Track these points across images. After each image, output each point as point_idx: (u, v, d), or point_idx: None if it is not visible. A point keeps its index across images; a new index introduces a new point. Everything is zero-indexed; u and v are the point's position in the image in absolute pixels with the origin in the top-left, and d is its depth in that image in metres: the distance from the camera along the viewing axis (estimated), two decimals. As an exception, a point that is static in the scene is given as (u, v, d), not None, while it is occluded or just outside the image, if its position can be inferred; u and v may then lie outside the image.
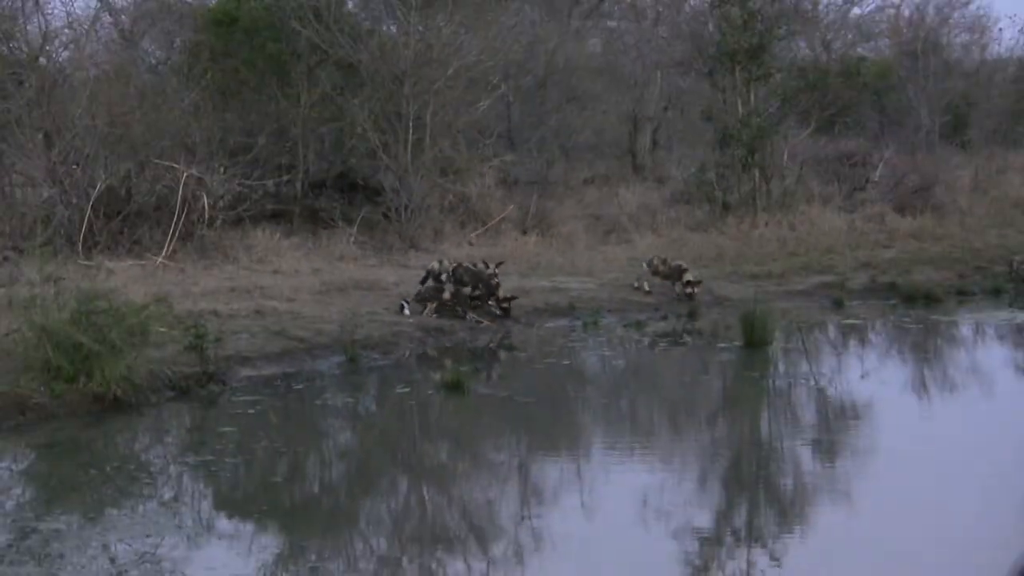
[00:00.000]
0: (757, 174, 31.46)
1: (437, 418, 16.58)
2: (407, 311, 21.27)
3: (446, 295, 21.54)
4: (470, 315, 21.63)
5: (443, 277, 21.71)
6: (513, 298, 21.89)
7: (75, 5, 47.47)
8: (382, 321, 20.70)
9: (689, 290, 23.56)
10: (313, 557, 11.21)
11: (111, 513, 12.05)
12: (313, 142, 29.79)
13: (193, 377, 16.87)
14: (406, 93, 28.36)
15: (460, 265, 22.00)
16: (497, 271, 21.99)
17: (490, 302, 21.78)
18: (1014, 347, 21.45)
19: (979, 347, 21.27)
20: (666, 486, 13.13)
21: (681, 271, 23.83)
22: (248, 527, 11.81)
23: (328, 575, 10.87)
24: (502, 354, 20.52)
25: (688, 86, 39.83)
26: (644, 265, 24.24)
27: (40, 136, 26.00)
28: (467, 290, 21.69)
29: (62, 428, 15.03)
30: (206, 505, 12.67)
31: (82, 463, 13.90)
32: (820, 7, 51.52)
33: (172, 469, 13.97)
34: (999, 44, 53.73)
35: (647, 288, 24.05)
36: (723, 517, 12.17)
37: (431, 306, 21.45)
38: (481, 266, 22.04)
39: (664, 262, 24.15)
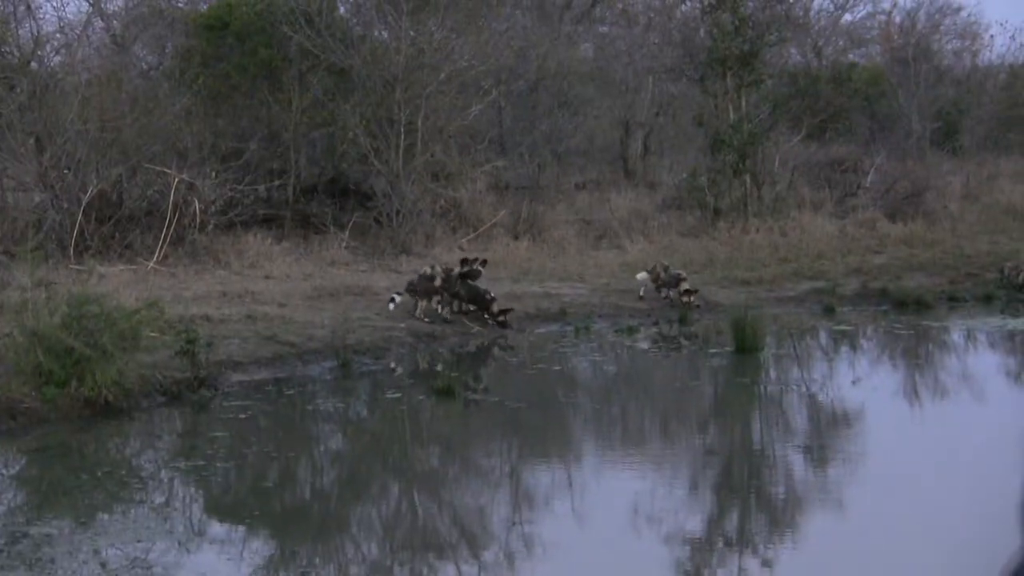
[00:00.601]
0: (748, 180, 31.50)
1: (428, 423, 16.60)
2: (396, 301, 21.31)
3: (437, 282, 21.56)
4: (461, 312, 21.78)
5: (437, 282, 21.69)
6: (509, 310, 21.91)
7: (67, 10, 47.35)
8: (374, 326, 20.70)
9: (687, 299, 23.61)
10: (304, 562, 11.23)
11: (102, 518, 12.05)
12: (305, 147, 29.78)
13: (184, 382, 16.86)
14: (397, 98, 28.36)
15: (450, 275, 21.89)
16: (482, 268, 21.99)
17: (485, 316, 21.83)
18: (1005, 354, 21.47)
19: (970, 353, 21.29)
20: (657, 492, 13.13)
21: (679, 280, 23.90)
22: (239, 532, 11.81)
23: (319, 580, 10.90)
24: (493, 359, 20.53)
25: (679, 92, 39.82)
26: (645, 272, 24.28)
27: (31, 140, 25.99)
28: (461, 286, 21.75)
29: (53, 432, 15.02)
30: (197, 510, 12.67)
31: (73, 468, 13.90)
32: (811, 13, 51.64)
33: (163, 474, 13.97)
34: (990, 51, 53.66)
35: (641, 294, 24.11)
36: (714, 523, 12.18)
37: (423, 304, 21.45)
38: (460, 267, 22.00)
39: (666, 269, 24.24)
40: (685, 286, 23.76)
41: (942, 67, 48.72)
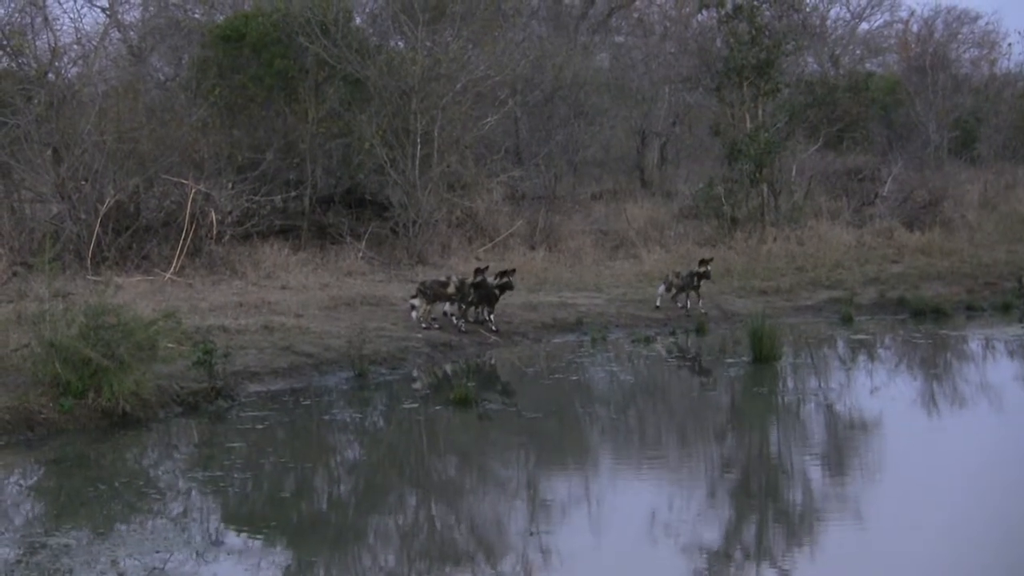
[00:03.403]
0: (765, 189, 31.48)
1: (445, 433, 16.57)
2: (416, 307, 21.34)
3: (450, 289, 21.56)
4: (477, 322, 21.81)
5: (450, 288, 21.64)
6: (512, 271, 22.06)
7: (84, 21, 47.72)
8: (390, 336, 20.72)
9: (702, 268, 23.75)
10: (321, 573, 11.23)
11: (120, 528, 12.05)
12: (321, 157, 29.82)
13: (201, 392, 16.90)
14: (414, 108, 28.41)
15: (464, 284, 21.85)
16: (511, 278, 21.93)
17: (490, 319, 21.84)
18: (1023, 363, 21.43)
19: (988, 363, 21.22)
20: (675, 502, 13.12)
21: (692, 273, 23.99)
22: (256, 543, 11.80)
23: (337, 591, 10.89)
24: (510, 369, 20.49)
25: (696, 101, 39.83)
26: (662, 285, 24.32)
27: (49, 152, 26.06)
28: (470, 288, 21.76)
29: (71, 443, 15.04)
30: (215, 520, 12.66)
31: (91, 478, 13.90)
32: (828, 22, 51.74)
33: (181, 484, 13.96)
34: (1008, 59, 53.93)
35: (658, 304, 24.11)
36: (732, 533, 12.14)
37: (424, 308, 21.41)
38: (474, 276, 21.91)
39: (678, 275, 24.25)
40: (699, 269, 23.98)
41: (960, 76, 48.71)
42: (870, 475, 14.25)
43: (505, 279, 21.76)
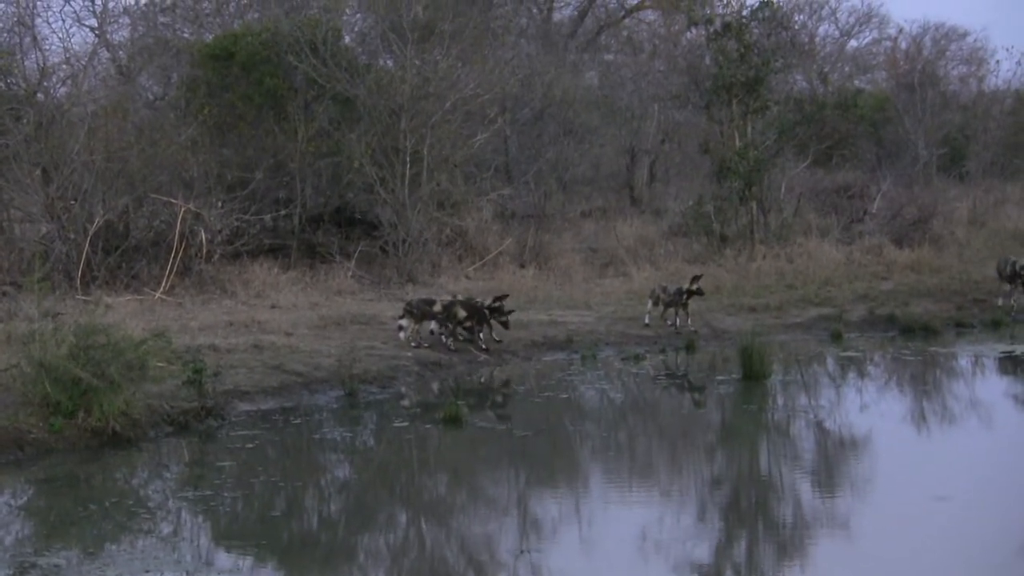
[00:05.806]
0: (754, 206, 31.51)
1: (435, 452, 16.56)
2: (404, 328, 21.34)
3: (436, 307, 21.56)
4: (467, 340, 21.80)
5: (437, 307, 21.64)
6: (504, 296, 22.27)
7: (73, 41, 47.50)
8: (380, 355, 20.69)
9: (692, 287, 23.66)
10: (312, 592, 11.22)
11: (110, 548, 12.03)
12: (310, 176, 29.82)
13: (191, 412, 16.87)
14: (403, 127, 28.43)
15: (452, 304, 21.86)
16: (503, 303, 21.99)
17: (480, 338, 21.81)
18: (1012, 379, 21.43)
19: (978, 379, 21.23)
20: (665, 520, 13.11)
21: (680, 290, 23.89)
22: (247, 562, 11.78)
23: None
24: (500, 388, 20.48)
25: (685, 119, 39.90)
26: (649, 302, 24.29)
27: (38, 172, 26.04)
28: (462, 315, 21.71)
29: (61, 463, 15.01)
30: (205, 540, 12.64)
31: (81, 498, 13.88)
32: (817, 40, 51.75)
33: (171, 504, 13.94)
34: (996, 76, 53.94)
35: (647, 321, 24.08)
36: (723, 551, 12.14)
37: (413, 327, 21.41)
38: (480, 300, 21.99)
39: (664, 289, 24.20)
40: (689, 282, 23.90)
41: (948, 93, 48.76)
42: (860, 492, 14.24)
43: (497, 303, 21.81)
